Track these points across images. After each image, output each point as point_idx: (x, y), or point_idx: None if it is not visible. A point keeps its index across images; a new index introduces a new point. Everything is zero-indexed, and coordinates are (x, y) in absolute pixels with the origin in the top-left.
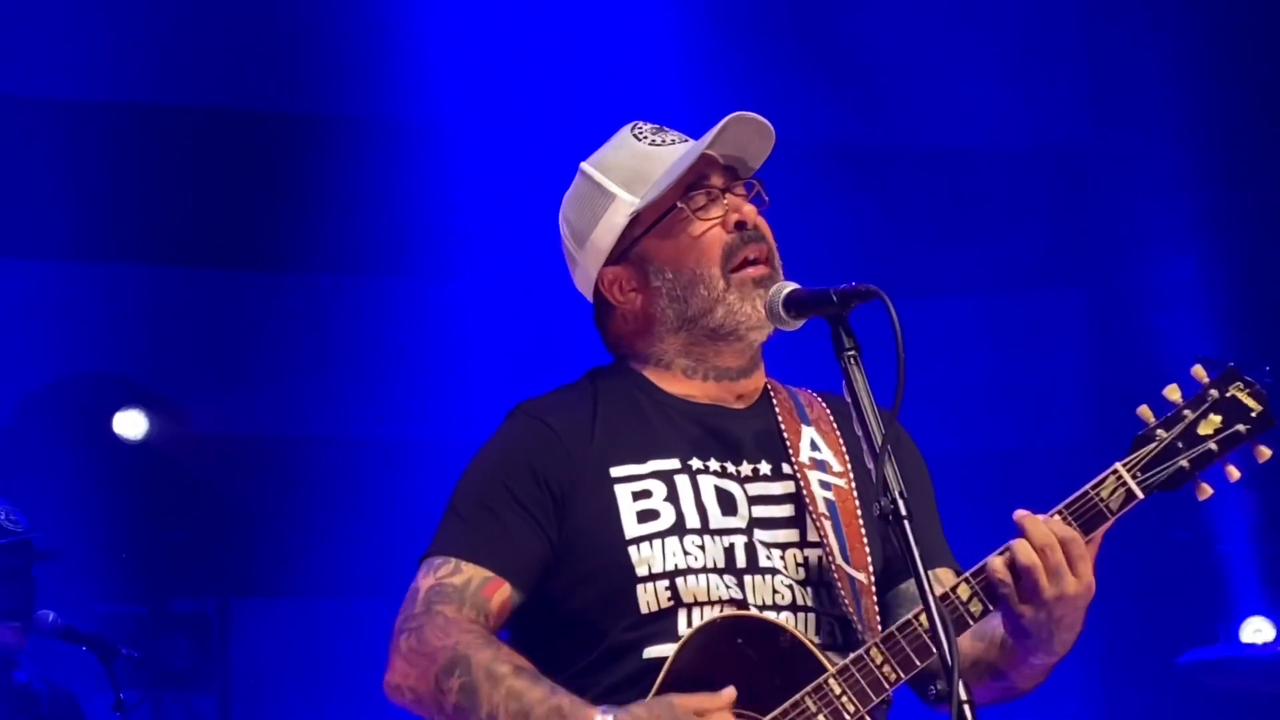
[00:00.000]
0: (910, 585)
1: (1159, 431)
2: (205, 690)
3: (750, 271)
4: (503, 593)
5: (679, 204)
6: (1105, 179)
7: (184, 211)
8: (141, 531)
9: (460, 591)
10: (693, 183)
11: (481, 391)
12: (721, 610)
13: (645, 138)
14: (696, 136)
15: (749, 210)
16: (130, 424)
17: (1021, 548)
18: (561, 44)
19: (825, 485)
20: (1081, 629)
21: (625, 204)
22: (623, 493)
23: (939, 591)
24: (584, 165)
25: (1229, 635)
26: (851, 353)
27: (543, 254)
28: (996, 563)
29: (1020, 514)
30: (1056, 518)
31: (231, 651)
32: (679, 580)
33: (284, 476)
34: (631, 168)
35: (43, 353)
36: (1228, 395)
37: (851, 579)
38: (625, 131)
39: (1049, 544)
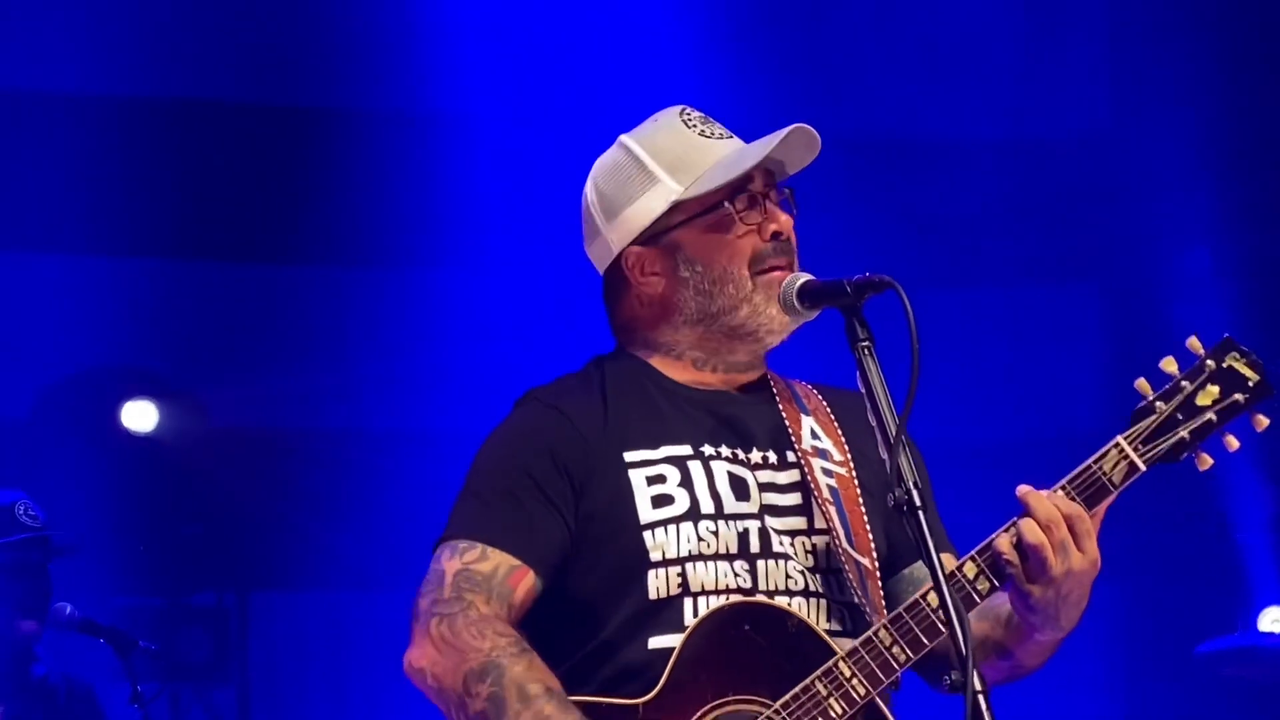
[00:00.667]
0: (913, 570)
1: (1158, 404)
2: (223, 683)
3: (776, 275)
4: (527, 582)
5: (726, 204)
6: (1122, 171)
7: (201, 205)
8: (159, 524)
9: (488, 580)
10: (737, 183)
11: (500, 383)
12: (728, 599)
13: (694, 126)
14: (732, 127)
15: (785, 221)
16: (139, 415)
17: (1027, 526)
18: (579, 37)
19: (828, 473)
20: (1087, 604)
21: (668, 190)
22: (637, 478)
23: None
24: (626, 139)
25: (1247, 624)
26: (865, 344)
27: (560, 246)
28: (1003, 541)
29: (1024, 490)
30: (1060, 493)
31: (250, 644)
32: (689, 566)
33: (302, 469)
34: (679, 155)
35: (60, 347)
36: (1224, 365)
37: (858, 564)
38: (673, 115)
39: (1054, 520)
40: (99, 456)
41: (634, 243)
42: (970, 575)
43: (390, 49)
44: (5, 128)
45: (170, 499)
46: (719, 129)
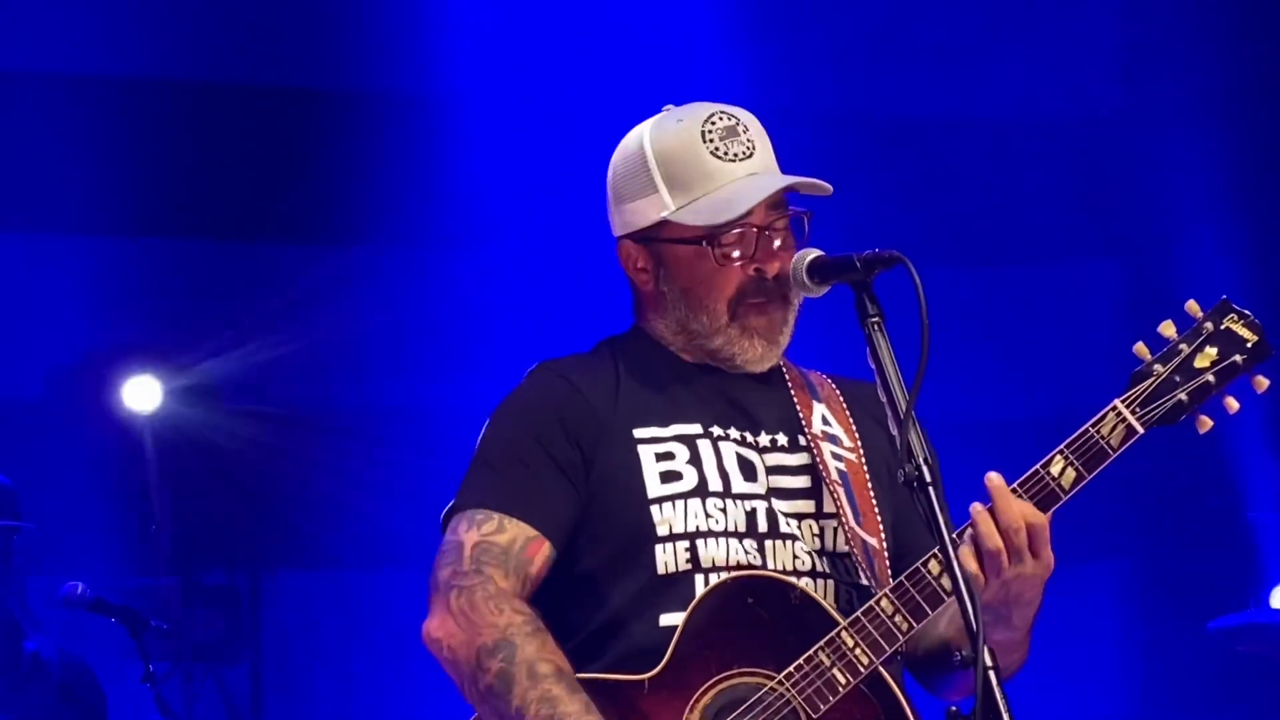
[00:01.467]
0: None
1: (1156, 366)
2: (235, 662)
3: (754, 321)
4: (544, 552)
5: (706, 243)
6: (1137, 149)
7: (212, 186)
8: (172, 504)
9: (506, 552)
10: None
11: (507, 362)
12: (731, 573)
13: (712, 141)
14: (753, 110)
15: (776, 267)
16: (145, 395)
17: (988, 532)
18: (581, 16)
19: (837, 457)
20: (1040, 605)
21: (661, 203)
22: (646, 453)
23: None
24: (645, 134)
25: (1259, 601)
26: (875, 319)
27: (570, 227)
28: (964, 551)
29: (995, 484)
30: (1026, 497)
31: (262, 623)
32: (699, 542)
33: (313, 448)
34: (683, 169)
35: (71, 327)
36: (1222, 327)
37: (865, 543)
38: (697, 122)
39: (1016, 527)
40: (111, 436)
41: (630, 235)
42: (935, 572)
43: (394, 29)
44: (11, 109)
45: (182, 479)
46: (740, 146)
